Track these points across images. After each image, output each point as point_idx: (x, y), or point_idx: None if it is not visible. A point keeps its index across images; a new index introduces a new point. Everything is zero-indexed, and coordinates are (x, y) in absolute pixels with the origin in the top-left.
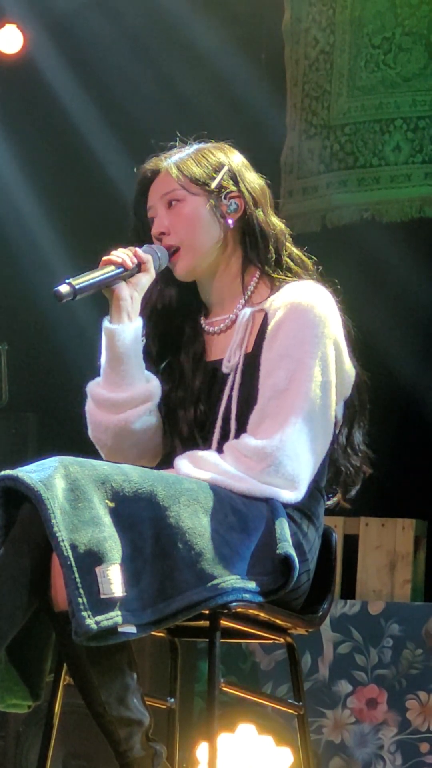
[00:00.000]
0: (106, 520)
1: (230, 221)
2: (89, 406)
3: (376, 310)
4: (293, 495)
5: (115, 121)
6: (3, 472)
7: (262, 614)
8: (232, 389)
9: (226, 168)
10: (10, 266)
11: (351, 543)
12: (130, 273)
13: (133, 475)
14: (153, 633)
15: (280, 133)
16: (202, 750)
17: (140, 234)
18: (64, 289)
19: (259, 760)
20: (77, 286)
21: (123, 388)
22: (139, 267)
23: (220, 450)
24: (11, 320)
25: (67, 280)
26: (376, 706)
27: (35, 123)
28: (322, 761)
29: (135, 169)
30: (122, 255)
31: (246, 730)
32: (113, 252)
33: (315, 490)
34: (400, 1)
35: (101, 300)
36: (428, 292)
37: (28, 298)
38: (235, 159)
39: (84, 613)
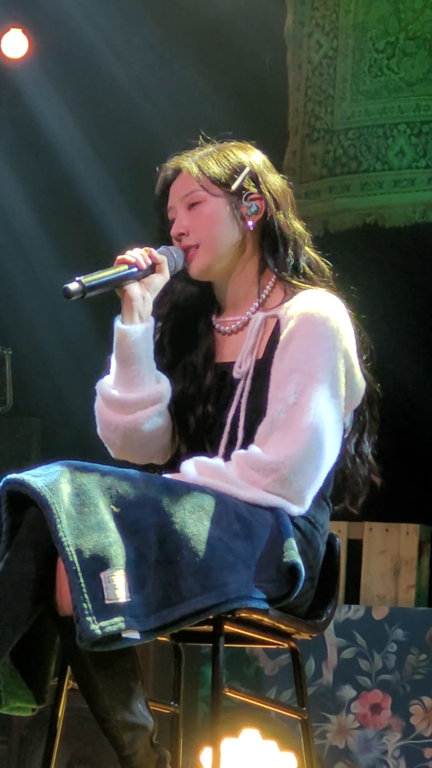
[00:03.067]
0: (111, 525)
1: (250, 223)
2: (99, 405)
3: (378, 315)
4: (297, 509)
5: (117, 125)
6: (9, 476)
7: (265, 619)
8: (241, 396)
9: (247, 169)
10: (14, 272)
11: (355, 548)
12: (143, 273)
13: (139, 481)
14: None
15: (283, 137)
16: (205, 755)
17: (163, 232)
18: (73, 286)
19: (263, 765)
20: (87, 284)
21: (133, 389)
22: (154, 268)
23: (226, 457)
24: (16, 325)
25: (77, 278)
26: (380, 712)
27: (36, 127)
28: (326, 766)
29: (157, 168)
30: (136, 255)
31: (250, 735)
32: (128, 251)
33: (320, 498)
34: (404, 5)
35: (107, 306)
36: (431, 298)
37: (33, 304)
38: (256, 159)
39: (88, 619)
